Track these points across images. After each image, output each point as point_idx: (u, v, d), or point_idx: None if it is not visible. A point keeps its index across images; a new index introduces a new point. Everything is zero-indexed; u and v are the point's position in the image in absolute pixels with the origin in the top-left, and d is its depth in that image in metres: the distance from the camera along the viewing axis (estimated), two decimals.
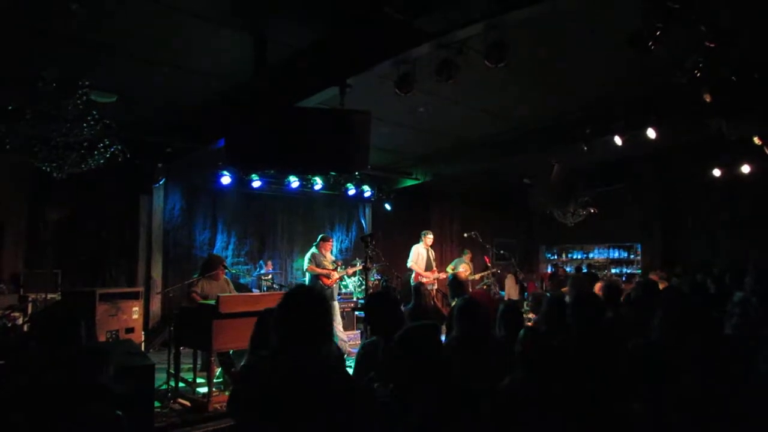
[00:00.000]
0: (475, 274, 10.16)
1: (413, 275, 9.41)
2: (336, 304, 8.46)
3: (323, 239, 8.52)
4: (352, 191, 11.44)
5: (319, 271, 8.14)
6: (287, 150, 5.42)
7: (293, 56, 6.09)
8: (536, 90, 7.25)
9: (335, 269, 8.28)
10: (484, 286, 10.74)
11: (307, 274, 8.33)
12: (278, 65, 6.04)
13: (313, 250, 8.40)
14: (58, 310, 3.91)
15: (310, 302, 2.34)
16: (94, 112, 5.50)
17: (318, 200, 11.80)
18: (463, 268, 9.62)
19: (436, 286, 9.41)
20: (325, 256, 8.34)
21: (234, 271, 9.16)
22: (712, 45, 4.25)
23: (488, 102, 7.70)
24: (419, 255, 9.47)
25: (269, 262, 10.65)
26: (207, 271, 6.37)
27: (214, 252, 10.04)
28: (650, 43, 4.11)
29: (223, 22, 5.32)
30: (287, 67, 6.19)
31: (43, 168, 5.65)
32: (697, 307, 3.77)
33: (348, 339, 8.54)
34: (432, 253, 9.68)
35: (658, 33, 4.06)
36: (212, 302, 5.50)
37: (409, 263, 9.52)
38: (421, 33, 5.04)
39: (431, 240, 9.64)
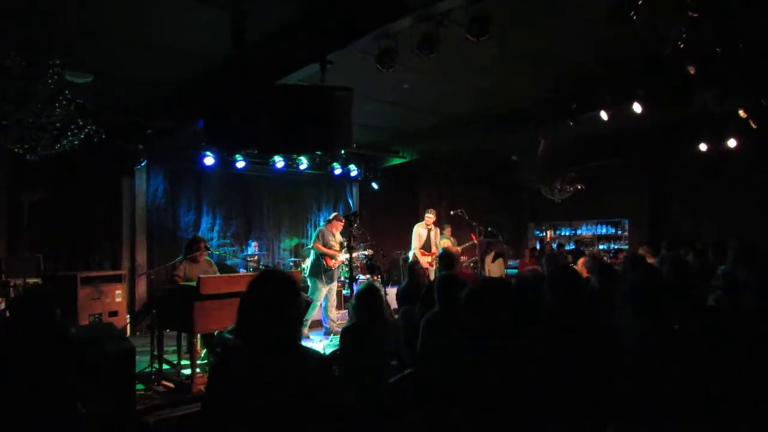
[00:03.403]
0: (458, 246, 10.10)
1: (412, 255, 9.33)
2: (334, 285, 8.41)
3: (335, 218, 8.42)
4: (338, 170, 11.34)
5: (324, 250, 8.05)
6: (267, 128, 5.31)
7: (272, 33, 5.97)
8: (521, 65, 7.17)
9: (341, 250, 8.15)
10: (471, 264, 10.75)
11: (312, 251, 8.27)
12: (257, 42, 5.92)
13: (323, 227, 8.32)
14: (32, 294, 3.83)
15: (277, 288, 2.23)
16: (66, 92, 5.36)
17: (304, 180, 11.69)
18: (444, 243, 9.56)
19: (434, 267, 9.34)
20: (334, 235, 8.24)
21: (219, 253, 9.09)
22: (695, 15, 4.17)
23: (473, 78, 7.61)
24: (419, 235, 9.36)
25: (257, 243, 10.60)
26: (187, 253, 6.31)
27: (200, 234, 9.94)
28: (632, 14, 4.03)
29: None
30: (266, 44, 6.07)
31: (15, 150, 5.52)
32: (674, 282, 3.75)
33: (336, 319, 8.53)
34: (435, 233, 9.54)
35: (639, 2, 3.97)
36: (194, 284, 5.44)
37: (412, 246, 9.42)
38: (402, 5, 4.94)
39: (432, 219, 9.42)
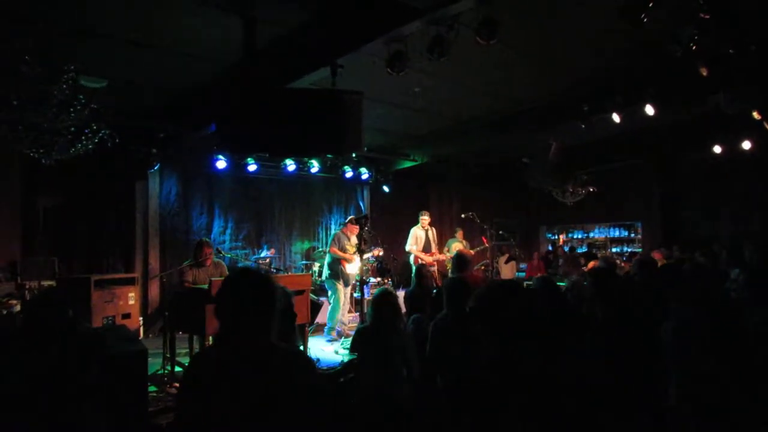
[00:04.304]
0: (471, 249, 10.14)
1: (413, 258, 9.38)
2: (349, 288, 8.40)
3: (350, 221, 8.45)
4: (349, 174, 11.37)
5: (340, 254, 8.06)
6: (278, 132, 5.34)
7: (283, 37, 6.01)
8: (532, 67, 7.15)
9: (356, 252, 8.14)
10: (482, 267, 10.73)
11: (327, 255, 8.29)
12: (268, 46, 5.97)
13: (338, 231, 8.33)
14: (46, 296, 3.89)
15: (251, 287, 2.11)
16: (81, 97, 5.43)
17: (315, 183, 11.74)
18: (455, 247, 9.58)
19: (435, 268, 9.38)
20: (349, 239, 8.27)
21: (230, 256, 9.14)
22: (707, 17, 4.14)
23: (484, 81, 7.60)
24: (417, 237, 9.45)
25: (273, 249, 10.66)
26: (193, 258, 6.34)
27: (212, 237, 10.04)
28: (642, 16, 4.01)
29: (212, 3, 5.22)
30: (277, 48, 6.11)
31: (31, 154, 5.60)
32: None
33: (348, 322, 8.56)
34: (432, 234, 9.60)
35: (650, 4, 3.95)
36: (205, 287, 5.48)
37: (407, 246, 9.49)
38: (412, 9, 4.95)
39: (428, 221, 9.57)
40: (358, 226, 8.24)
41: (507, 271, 11.63)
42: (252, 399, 1.95)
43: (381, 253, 8.89)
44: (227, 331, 2.08)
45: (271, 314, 2.10)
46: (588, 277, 4.27)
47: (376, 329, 4.06)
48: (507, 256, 11.85)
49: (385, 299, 4.11)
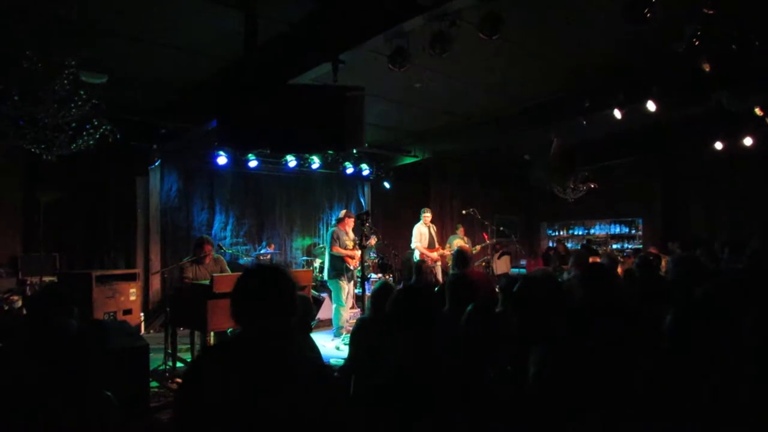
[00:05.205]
0: (473, 247, 10.14)
1: (418, 254, 9.37)
2: (351, 284, 8.36)
3: (346, 215, 8.38)
4: (350, 170, 11.37)
5: (343, 252, 7.96)
6: (280, 128, 5.33)
7: (284, 32, 6.00)
8: (534, 63, 7.13)
9: (355, 247, 8.06)
10: (483, 263, 10.73)
11: (328, 255, 8.18)
12: (269, 42, 5.96)
13: (334, 228, 8.23)
14: (49, 292, 3.89)
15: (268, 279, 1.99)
16: (82, 92, 5.43)
17: (316, 179, 11.75)
18: (457, 243, 9.57)
19: (439, 264, 9.37)
20: (347, 234, 8.20)
21: (231, 252, 9.14)
22: (711, 12, 4.13)
23: (486, 77, 7.59)
24: (421, 234, 9.39)
25: (272, 244, 10.65)
26: (193, 255, 6.33)
27: (213, 232, 10.05)
28: (646, 11, 3.99)
29: None
30: (279, 44, 6.10)
31: (32, 150, 5.60)
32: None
33: (348, 318, 8.54)
34: (434, 230, 9.60)
35: (654, 0, 3.94)
36: (206, 282, 5.48)
37: (413, 243, 9.44)
38: (414, 5, 4.93)
39: (430, 217, 9.55)
40: (353, 218, 8.20)
41: (501, 265, 11.63)
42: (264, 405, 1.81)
43: (375, 242, 8.81)
44: (245, 326, 1.95)
45: (289, 310, 1.98)
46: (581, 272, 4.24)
47: (376, 321, 4.06)
48: (500, 252, 11.86)
49: (385, 292, 4.10)
